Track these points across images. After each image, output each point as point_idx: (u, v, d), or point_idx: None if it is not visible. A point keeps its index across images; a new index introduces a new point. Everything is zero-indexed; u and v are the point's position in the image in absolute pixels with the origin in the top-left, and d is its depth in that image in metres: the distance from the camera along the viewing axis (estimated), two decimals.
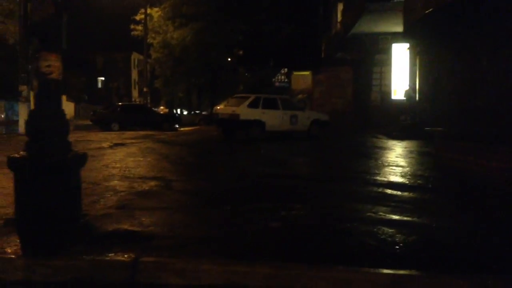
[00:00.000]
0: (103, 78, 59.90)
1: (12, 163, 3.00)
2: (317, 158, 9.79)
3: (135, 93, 57.54)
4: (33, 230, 3.00)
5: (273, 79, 36.98)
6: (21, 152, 3.09)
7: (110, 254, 2.96)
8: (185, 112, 46.88)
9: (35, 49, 3.96)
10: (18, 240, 3.05)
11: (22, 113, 18.54)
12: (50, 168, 2.98)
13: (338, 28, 23.79)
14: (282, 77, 36.47)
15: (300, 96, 30.45)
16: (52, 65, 3.37)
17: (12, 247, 3.05)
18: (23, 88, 18.17)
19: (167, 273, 2.78)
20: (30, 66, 17.62)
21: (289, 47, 31.14)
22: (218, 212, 4.35)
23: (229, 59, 36.99)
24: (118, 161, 7.80)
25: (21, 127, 18.25)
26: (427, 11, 9.08)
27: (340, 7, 23.51)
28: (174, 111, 40.71)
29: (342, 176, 6.84)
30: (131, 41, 35.12)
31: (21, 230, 3.04)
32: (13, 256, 2.92)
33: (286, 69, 35.88)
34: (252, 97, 14.57)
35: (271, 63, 36.19)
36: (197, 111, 41.88)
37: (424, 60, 12.95)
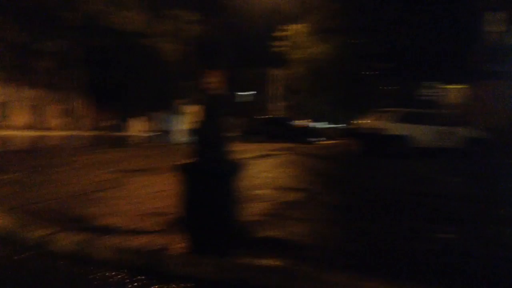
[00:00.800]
0: (241, 93, 63.07)
1: (182, 169, 3.34)
2: (472, 177, 8.98)
3: (272, 107, 59.58)
4: (197, 230, 3.30)
5: (419, 93, 34.96)
6: (189, 159, 3.43)
7: (264, 260, 3.11)
8: (324, 126, 47.06)
9: (199, 66, 4.35)
10: (183, 238, 3.38)
11: (176, 124, 20.56)
12: (215, 174, 3.26)
13: (491, 39, 21.63)
14: (430, 90, 34.30)
15: (451, 111, 28.28)
16: (218, 81, 3.69)
17: (178, 244, 3.40)
18: (179, 102, 20.16)
19: (318, 284, 2.82)
20: (186, 82, 19.50)
21: (435, 59, 29.15)
22: (367, 227, 4.27)
23: (371, 72, 36.18)
24: (264, 171, 8.16)
25: (173, 137, 20.26)
26: None
27: (488, 16, 21.40)
28: (314, 125, 41.14)
29: (505, 200, 6.17)
30: (269, 56, 36.49)
31: (186, 229, 3.37)
32: (180, 253, 3.25)
33: (434, 83, 33.67)
34: (398, 111, 14.03)
35: (417, 76, 34.38)
36: (337, 125, 41.73)
37: None
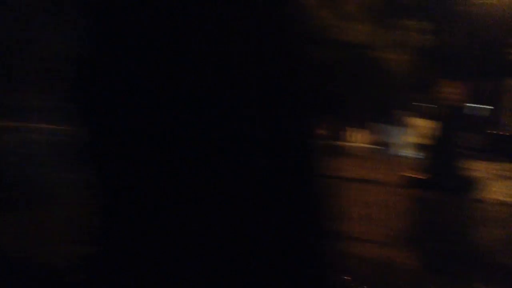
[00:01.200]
0: (474, 105, 56.92)
1: (413, 183, 3.28)
2: None
3: (510, 122, 52.05)
4: (425, 247, 3.18)
5: None
6: (418, 173, 3.34)
7: None
8: None
9: (433, 77, 4.18)
10: (410, 254, 3.28)
11: (398, 137, 19.92)
12: (448, 191, 3.10)
13: None
14: None
15: None
16: (455, 92, 3.49)
17: (405, 259, 3.31)
18: (402, 114, 19.52)
19: None
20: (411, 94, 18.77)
21: None
22: None
23: None
24: (504, 193, 7.24)
25: (395, 150, 19.61)
26: None
27: None
28: None
29: None
30: (507, 65, 31.93)
31: (415, 245, 3.27)
32: (407, 268, 3.16)
33: None
34: None
35: None
36: None
37: None
